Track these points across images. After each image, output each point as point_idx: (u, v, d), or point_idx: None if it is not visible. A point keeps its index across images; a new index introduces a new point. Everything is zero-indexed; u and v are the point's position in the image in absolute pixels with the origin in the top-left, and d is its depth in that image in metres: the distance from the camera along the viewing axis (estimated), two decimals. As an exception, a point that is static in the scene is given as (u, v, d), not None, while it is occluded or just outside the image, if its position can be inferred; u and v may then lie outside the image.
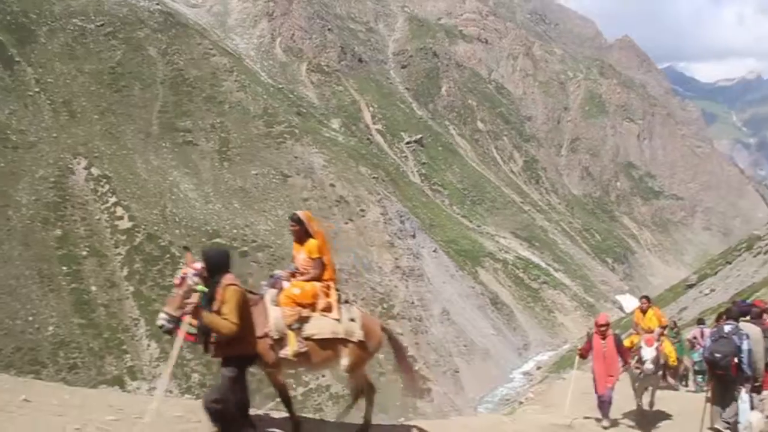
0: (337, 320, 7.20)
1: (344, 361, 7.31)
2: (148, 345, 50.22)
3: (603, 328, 12.15)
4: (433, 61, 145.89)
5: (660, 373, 11.79)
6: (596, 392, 12.12)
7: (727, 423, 9.63)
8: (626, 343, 14.88)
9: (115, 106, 72.10)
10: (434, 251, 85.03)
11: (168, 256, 57.80)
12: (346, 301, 7.64)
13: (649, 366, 10.75)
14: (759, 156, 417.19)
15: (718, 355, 9.42)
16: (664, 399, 15.78)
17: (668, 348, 15.14)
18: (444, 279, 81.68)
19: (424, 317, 69.52)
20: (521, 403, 17.68)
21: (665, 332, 17.05)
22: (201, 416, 7.46)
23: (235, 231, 64.70)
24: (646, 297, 13.59)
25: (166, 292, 54.68)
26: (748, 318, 10.27)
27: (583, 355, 12.84)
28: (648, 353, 10.92)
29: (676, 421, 12.28)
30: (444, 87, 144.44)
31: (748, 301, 14.55)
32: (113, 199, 60.90)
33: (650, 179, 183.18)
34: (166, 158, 69.26)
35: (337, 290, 7.66)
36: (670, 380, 16.96)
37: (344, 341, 7.20)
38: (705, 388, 16.58)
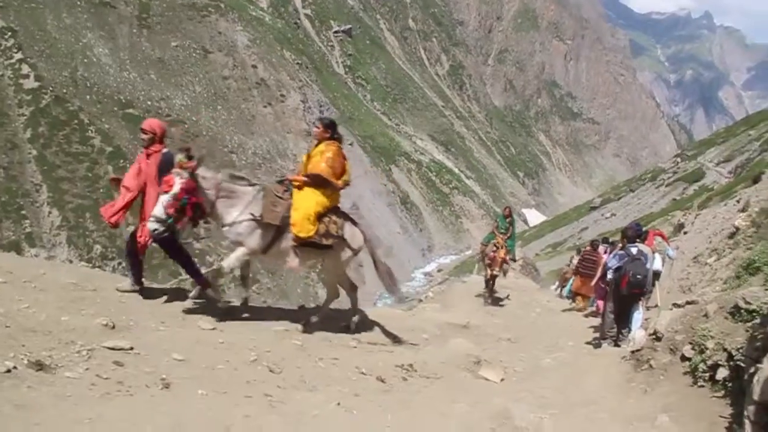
0: None
1: None
2: (50, 212, 48.74)
3: (145, 137, 7.47)
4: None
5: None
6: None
7: (622, 335, 10.31)
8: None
9: (27, -46, 66.99)
10: (350, 144, 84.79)
11: (76, 122, 55.48)
12: None
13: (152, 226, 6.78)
14: (676, 93, 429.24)
15: (639, 276, 10.00)
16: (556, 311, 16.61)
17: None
18: (357, 173, 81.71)
19: (333, 210, 69.95)
20: (420, 301, 18.25)
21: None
22: (95, 284, 7.38)
23: (149, 103, 62.56)
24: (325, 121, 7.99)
25: (72, 159, 52.79)
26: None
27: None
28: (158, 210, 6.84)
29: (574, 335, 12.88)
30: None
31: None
32: (18, 55, 57.29)
33: (571, 100, 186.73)
34: (80, 18, 65.37)
35: None
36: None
37: None
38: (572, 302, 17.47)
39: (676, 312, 7.69)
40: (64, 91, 57.36)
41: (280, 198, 7.42)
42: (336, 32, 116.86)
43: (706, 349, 6.29)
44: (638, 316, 10.35)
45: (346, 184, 7.94)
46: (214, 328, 6.90)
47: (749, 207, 18.99)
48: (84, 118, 56.11)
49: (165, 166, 7.18)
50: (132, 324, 6.32)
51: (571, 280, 19.11)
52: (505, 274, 16.26)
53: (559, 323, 14.14)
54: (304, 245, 7.45)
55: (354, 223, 7.98)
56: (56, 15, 63.56)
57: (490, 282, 15.76)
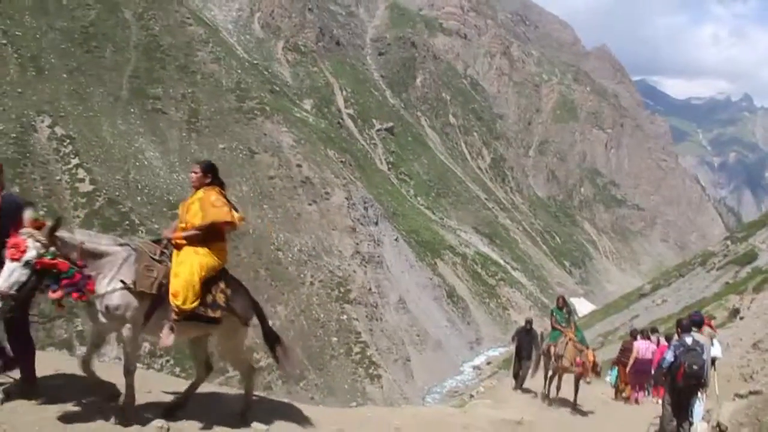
0: None
1: None
2: (100, 311, 49.44)
3: None
4: (411, 51, 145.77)
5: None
6: None
7: (682, 428, 9.89)
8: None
9: (85, 67, 70.63)
10: (395, 240, 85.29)
11: (127, 222, 57.02)
12: None
13: None
14: (720, 176, 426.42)
15: (695, 367, 9.63)
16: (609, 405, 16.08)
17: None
18: (403, 268, 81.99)
19: (380, 304, 69.78)
20: (471, 396, 17.86)
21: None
22: (149, 385, 7.42)
23: (197, 203, 64.10)
24: None
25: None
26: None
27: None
28: None
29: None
30: (419, 78, 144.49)
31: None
32: (75, 161, 59.73)
33: (614, 188, 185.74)
34: (133, 124, 68.22)
35: None
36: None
37: None
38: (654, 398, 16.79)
39: (739, 403, 7.43)
40: (117, 193, 59.24)
41: (157, 261, 6.15)
42: (378, 130, 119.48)
43: (775, 441, 6.04)
44: (699, 408, 9.94)
45: (241, 220, 6.90)
46: (267, 429, 6.86)
47: (808, 291, 18.46)
48: (135, 218, 57.64)
49: (9, 212, 5.91)
50: (186, 426, 6.31)
51: (615, 370, 18.79)
52: (598, 375, 14.13)
53: (615, 416, 13.69)
54: (186, 318, 6.10)
55: (244, 289, 6.84)
56: (111, 122, 66.43)
57: (555, 380, 14.49)
